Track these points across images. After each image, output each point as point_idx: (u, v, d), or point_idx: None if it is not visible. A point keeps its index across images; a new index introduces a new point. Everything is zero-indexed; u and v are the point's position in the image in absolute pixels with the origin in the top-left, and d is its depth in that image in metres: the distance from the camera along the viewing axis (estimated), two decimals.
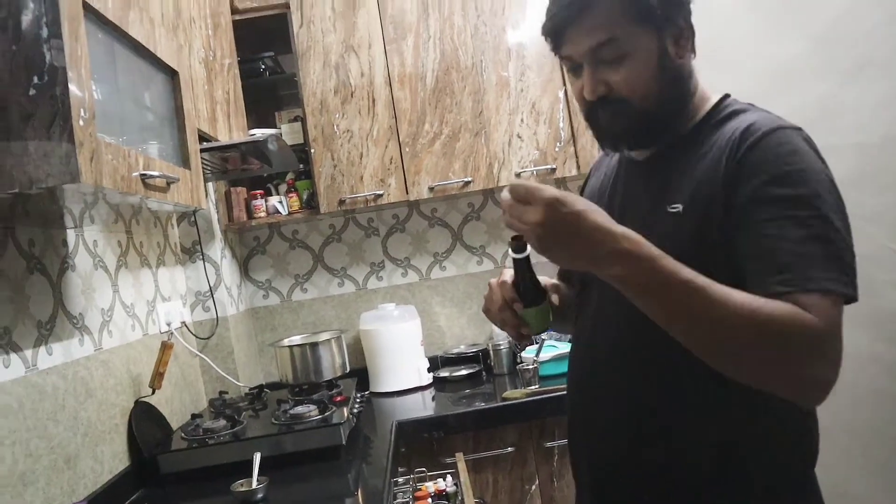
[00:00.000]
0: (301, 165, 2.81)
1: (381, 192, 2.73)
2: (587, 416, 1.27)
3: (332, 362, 2.54)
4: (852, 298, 0.97)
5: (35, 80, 1.09)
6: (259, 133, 2.51)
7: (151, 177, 1.36)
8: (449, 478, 2.03)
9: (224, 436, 2.00)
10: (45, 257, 1.67)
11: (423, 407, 2.62)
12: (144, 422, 1.99)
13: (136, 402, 1.98)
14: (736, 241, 1.02)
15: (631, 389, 1.17)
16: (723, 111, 1.15)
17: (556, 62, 2.74)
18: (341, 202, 2.74)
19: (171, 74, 1.64)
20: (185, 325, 2.48)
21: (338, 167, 2.74)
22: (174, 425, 2.17)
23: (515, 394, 2.46)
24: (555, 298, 1.30)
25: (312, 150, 2.75)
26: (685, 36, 1.13)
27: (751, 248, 0.99)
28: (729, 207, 1.03)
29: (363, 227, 3.14)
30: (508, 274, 1.26)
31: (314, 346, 2.52)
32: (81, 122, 1.10)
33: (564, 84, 2.74)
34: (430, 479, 2.03)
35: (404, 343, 2.83)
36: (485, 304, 1.30)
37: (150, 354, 2.10)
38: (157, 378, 2.04)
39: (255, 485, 1.68)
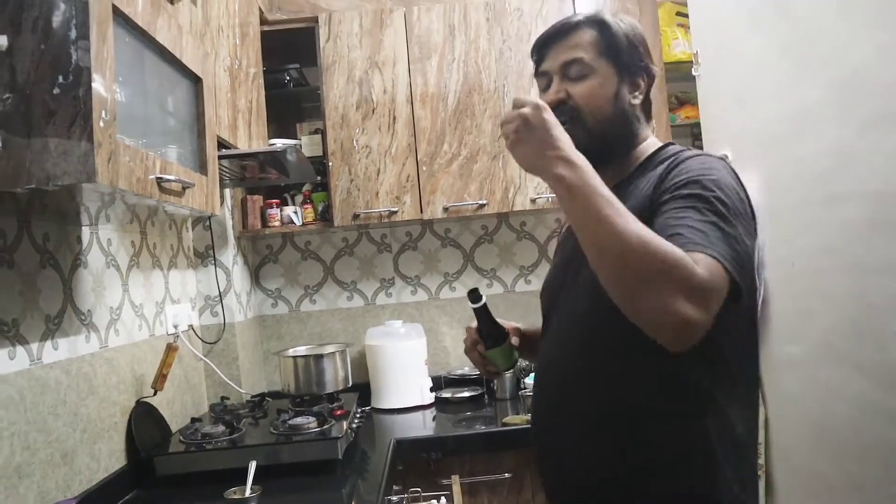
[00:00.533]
0: (318, 177, 2.83)
1: (395, 209, 2.75)
2: (547, 437, 1.35)
3: (335, 375, 2.54)
4: (738, 287, 1.05)
5: (60, 79, 1.11)
6: (278, 143, 2.54)
7: (167, 181, 1.38)
8: (444, 499, 2.02)
9: (222, 442, 2.00)
10: (59, 253, 1.69)
11: (423, 426, 2.61)
12: (144, 422, 2.00)
13: (138, 402, 1.99)
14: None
15: (586, 408, 1.26)
16: (663, 154, 1.30)
17: None
18: (355, 216, 2.75)
19: (195, 81, 1.66)
20: (193, 329, 2.50)
21: (354, 182, 2.76)
22: (174, 427, 2.17)
23: (516, 419, 2.45)
24: (514, 340, 1.46)
25: (330, 164, 2.77)
26: (640, 90, 1.33)
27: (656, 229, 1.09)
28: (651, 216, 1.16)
29: (376, 243, 3.15)
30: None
31: (318, 357, 2.52)
32: (102, 123, 1.12)
33: None
34: (425, 500, 2.02)
35: (409, 361, 2.83)
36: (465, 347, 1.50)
37: (156, 355, 2.12)
38: (159, 379, 2.05)
39: (248, 493, 1.68)
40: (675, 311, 0.99)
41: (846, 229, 1.48)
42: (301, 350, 2.66)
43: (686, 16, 2.53)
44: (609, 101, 1.29)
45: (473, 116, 2.76)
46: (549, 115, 1.11)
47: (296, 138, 2.95)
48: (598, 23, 1.31)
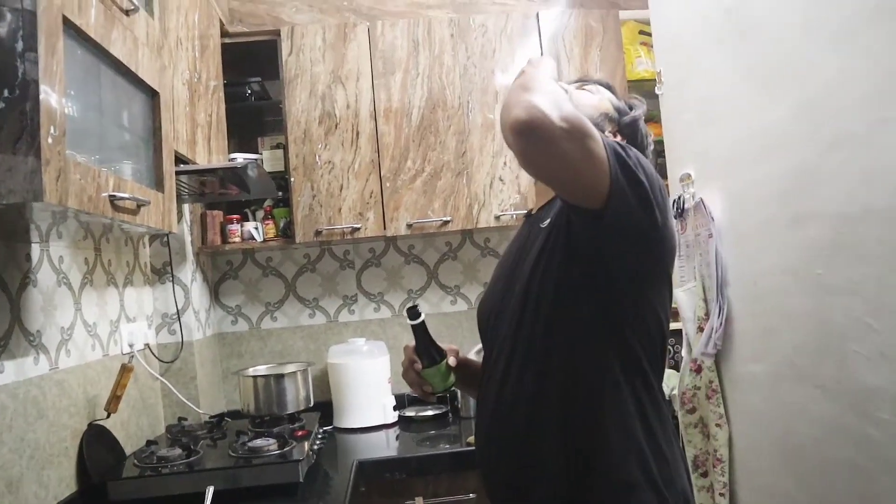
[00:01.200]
0: (280, 193, 2.78)
1: (358, 226, 2.71)
2: (485, 458, 1.40)
3: (297, 395, 2.49)
4: (616, 180, 1.13)
5: (5, 92, 1.06)
6: (239, 158, 2.50)
7: (121, 198, 1.33)
8: None
9: (178, 465, 1.94)
10: (6, 271, 1.62)
11: (386, 446, 2.57)
12: (96, 446, 1.93)
13: (90, 425, 1.92)
14: None
15: (515, 432, 1.31)
16: None
17: None
18: (318, 233, 2.71)
19: (152, 95, 1.62)
20: (149, 348, 2.43)
21: (317, 198, 2.72)
22: (128, 451, 2.10)
23: None
24: (451, 360, 1.47)
25: (292, 179, 2.73)
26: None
27: None
28: None
29: (338, 259, 3.11)
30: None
31: (279, 377, 2.47)
32: (50, 140, 1.07)
33: None
34: None
35: (372, 379, 2.79)
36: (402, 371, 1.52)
37: (110, 376, 2.05)
38: (113, 401, 1.98)
39: None
40: (529, 103, 1.08)
41: (809, 249, 1.49)
42: (261, 369, 2.60)
43: (649, 34, 2.55)
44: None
45: (437, 132, 2.75)
46: (550, 60, 1.29)
47: (257, 153, 2.91)
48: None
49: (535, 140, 1.07)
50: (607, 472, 1.23)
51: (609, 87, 1.56)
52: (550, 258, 1.28)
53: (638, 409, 1.26)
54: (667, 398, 1.39)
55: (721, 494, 1.96)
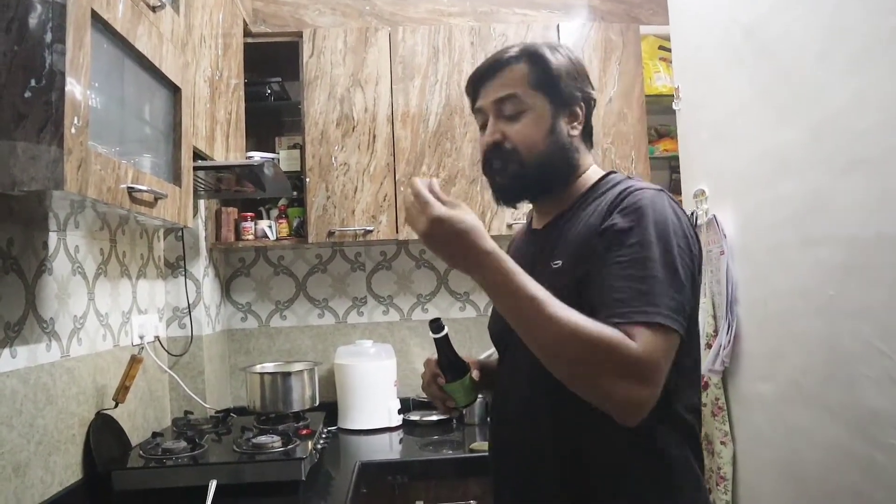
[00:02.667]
0: (295, 193, 2.80)
1: (371, 228, 2.73)
2: (505, 469, 1.36)
3: (303, 394, 2.50)
4: (676, 331, 1.08)
5: (32, 82, 1.08)
6: (256, 157, 2.52)
7: (139, 191, 1.35)
8: None
9: (183, 458, 1.95)
10: (23, 258, 1.64)
11: (389, 449, 2.58)
12: (103, 435, 1.94)
13: (98, 414, 1.94)
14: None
15: (534, 436, 1.27)
16: (607, 183, 1.30)
17: None
18: (330, 234, 2.73)
19: (174, 90, 1.64)
20: (159, 340, 2.45)
21: (331, 199, 2.74)
22: (134, 441, 2.12)
23: (483, 446, 2.43)
24: (475, 374, 1.40)
25: (308, 179, 2.74)
26: (578, 121, 1.32)
27: (594, 288, 1.14)
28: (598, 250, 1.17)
29: (350, 261, 3.13)
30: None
31: (286, 375, 2.48)
32: (73, 130, 1.09)
33: None
34: None
35: (378, 381, 2.80)
36: (422, 382, 1.47)
37: (119, 366, 2.06)
38: (121, 391, 2.00)
39: None
40: (614, 394, 1.03)
41: (820, 272, 1.49)
42: (269, 367, 2.62)
43: (669, 49, 2.56)
44: (545, 137, 1.28)
45: (454, 139, 2.76)
46: (449, 227, 1.07)
47: (274, 152, 2.93)
48: (530, 56, 1.29)
49: (637, 415, 1.05)
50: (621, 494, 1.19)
51: (528, 55, 1.30)
52: (560, 296, 1.13)
53: (665, 437, 1.19)
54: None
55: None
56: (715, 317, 1.96)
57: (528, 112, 1.27)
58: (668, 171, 3.15)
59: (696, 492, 1.21)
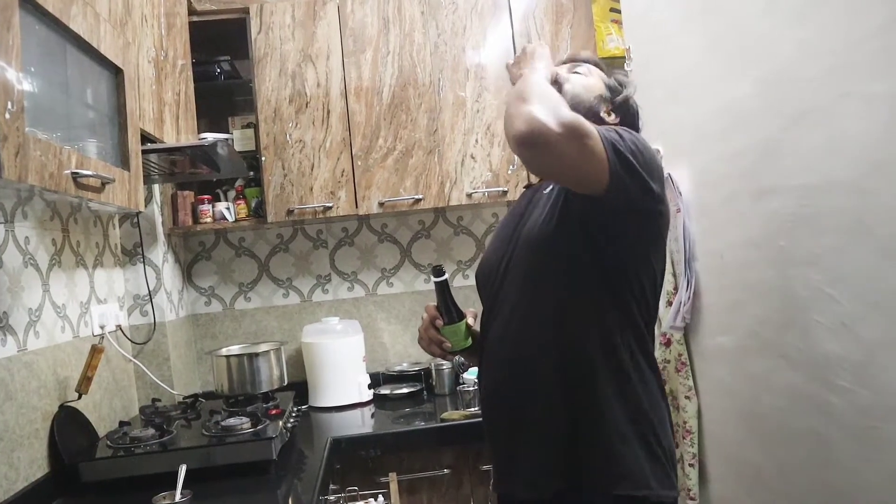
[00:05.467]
0: (251, 173, 2.77)
1: (330, 205, 2.70)
2: (499, 414, 1.48)
3: (270, 374, 2.49)
4: (613, 164, 1.22)
5: None
6: (209, 137, 2.47)
7: (84, 176, 1.32)
8: (381, 498, 2.00)
9: (151, 445, 1.94)
10: None
11: (361, 424, 2.58)
12: (68, 427, 1.92)
13: (61, 407, 1.91)
14: None
15: (518, 385, 1.40)
16: None
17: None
18: (290, 212, 2.70)
19: (116, 72, 1.60)
20: (121, 329, 2.41)
21: (288, 177, 2.71)
22: (101, 432, 2.09)
23: (454, 415, 2.45)
24: (471, 319, 1.55)
25: (263, 158, 2.71)
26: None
27: None
28: None
29: (311, 239, 3.10)
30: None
31: (252, 356, 2.47)
32: (8, 115, 1.06)
33: None
34: (362, 499, 2.00)
35: (346, 358, 2.80)
36: (419, 333, 1.57)
37: (80, 357, 2.03)
38: (84, 382, 1.97)
39: (178, 498, 1.63)
40: (529, 115, 1.18)
41: (772, 222, 1.51)
42: (234, 349, 2.60)
43: (620, 11, 2.55)
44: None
45: (409, 110, 2.74)
46: (544, 49, 1.44)
47: (228, 132, 2.88)
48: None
49: (538, 149, 1.18)
50: (602, 425, 1.32)
51: (598, 65, 1.60)
52: (560, 215, 1.37)
53: (634, 366, 1.35)
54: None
55: (690, 465, 2.00)
56: (675, 274, 1.99)
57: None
58: None
59: (657, 397, 1.39)
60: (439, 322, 1.50)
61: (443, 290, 1.50)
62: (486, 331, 1.52)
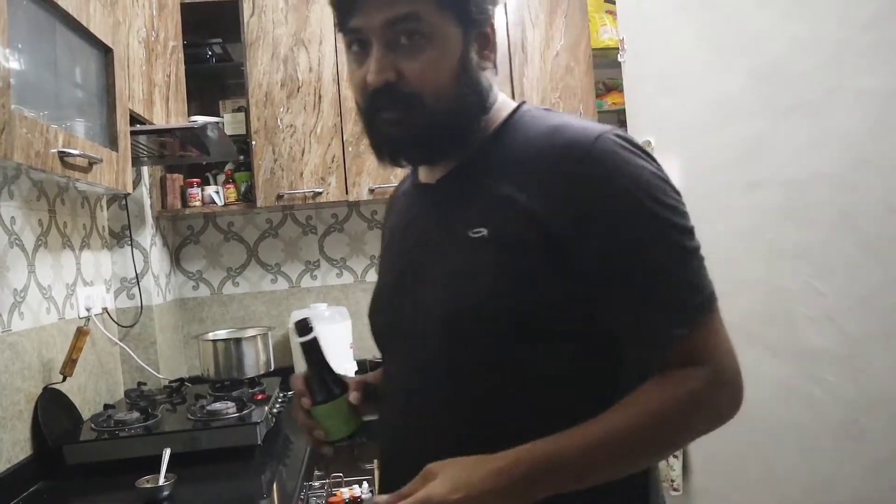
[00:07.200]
0: (241, 157, 2.75)
1: (320, 190, 2.69)
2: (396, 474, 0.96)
3: (257, 359, 2.48)
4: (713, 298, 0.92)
5: None
6: (199, 120, 2.46)
7: (71, 155, 1.30)
8: (365, 484, 2.00)
9: (136, 428, 1.93)
10: None
11: None
12: (52, 410, 1.90)
13: (45, 389, 1.90)
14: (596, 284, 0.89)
15: (433, 442, 0.95)
16: (526, 123, 0.98)
17: (507, 75, 2.75)
18: (279, 197, 2.69)
19: (105, 51, 1.58)
20: (107, 312, 2.40)
21: (278, 161, 2.70)
22: (86, 415, 2.08)
23: None
24: (353, 396, 1.04)
25: (254, 142, 2.69)
26: (490, 48, 0.98)
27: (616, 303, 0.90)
28: (556, 229, 0.88)
29: (301, 225, 3.09)
30: None
31: (238, 341, 2.46)
32: None
33: (513, 97, 2.74)
34: (346, 485, 2.00)
35: (333, 344, 2.79)
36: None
37: (65, 339, 2.02)
38: (69, 364, 1.96)
39: (161, 482, 1.62)
40: (724, 417, 0.93)
41: (760, 215, 1.52)
42: (221, 334, 2.59)
43: (614, 2, 2.55)
44: (454, 77, 0.94)
45: None
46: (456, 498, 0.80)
47: (219, 116, 2.86)
48: None
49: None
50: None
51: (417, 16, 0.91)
52: (487, 276, 0.90)
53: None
54: None
55: (674, 456, 2.01)
56: None
57: (433, 42, 0.91)
58: (617, 124, 3.15)
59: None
60: (307, 401, 1.04)
61: (311, 353, 1.04)
62: (387, 381, 1.08)
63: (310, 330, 1.03)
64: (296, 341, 1.05)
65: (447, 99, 0.93)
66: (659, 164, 0.93)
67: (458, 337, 0.92)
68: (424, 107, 0.92)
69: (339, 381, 1.05)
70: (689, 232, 0.91)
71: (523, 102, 1.03)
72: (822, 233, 1.31)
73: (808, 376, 1.39)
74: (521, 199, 0.90)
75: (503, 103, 1.02)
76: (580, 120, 0.97)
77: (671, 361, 0.88)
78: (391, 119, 0.93)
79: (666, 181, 0.91)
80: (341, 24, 0.95)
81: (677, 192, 0.92)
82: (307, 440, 1.08)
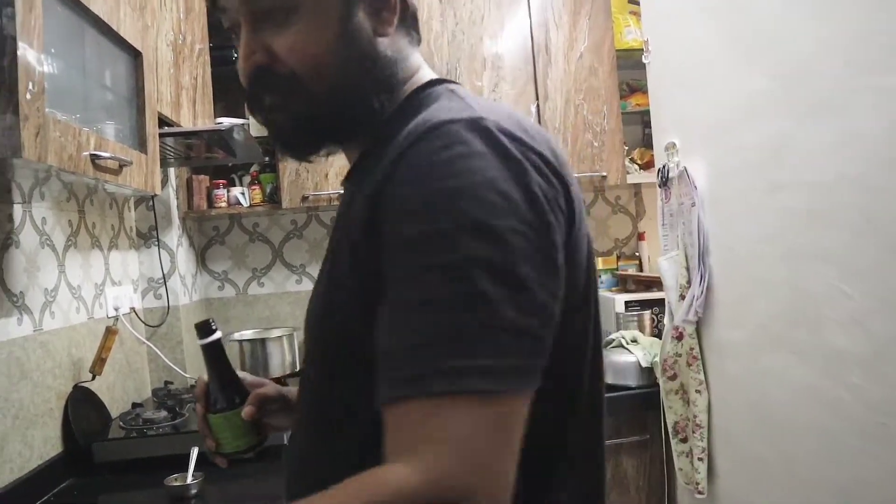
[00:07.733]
0: (266, 158, 2.78)
1: None
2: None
3: (282, 359, 2.51)
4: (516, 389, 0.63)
5: None
6: (225, 122, 2.48)
7: (102, 158, 1.33)
8: None
9: (163, 427, 1.96)
10: None
11: None
12: (82, 408, 1.94)
13: (75, 387, 1.93)
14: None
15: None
16: (413, 102, 0.83)
17: (531, 76, 2.75)
18: (304, 198, 2.71)
19: (135, 55, 1.61)
20: (135, 312, 2.43)
21: (303, 163, 2.71)
22: (114, 413, 2.12)
23: None
24: (247, 410, 0.96)
25: None
26: (389, 8, 0.83)
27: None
28: (361, 249, 0.71)
29: (325, 226, 3.11)
30: None
31: (264, 341, 2.49)
32: (29, 96, 1.07)
33: (537, 98, 2.74)
34: None
35: None
36: None
37: (95, 339, 2.06)
38: (98, 364, 1.99)
39: (189, 480, 1.65)
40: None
41: (784, 217, 1.51)
42: (247, 334, 2.62)
43: (638, 3, 2.54)
44: (332, 49, 0.79)
45: None
46: None
47: (244, 118, 2.89)
48: None
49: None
50: None
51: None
52: (334, 315, 0.78)
53: None
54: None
55: (700, 459, 2.00)
56: (688, 268, 1.98)
57: (302, 8, 0.78)
58: (641, 125, 3.15)
59: None
60: (199, 408, 0.98)
61: (212, 357, 0.97)
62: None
63: (212, 331, 0.96)
64: (196, 343, 0.95)
65: (329, 76, 0.79)
66: (536, 171, 0.69)
67: (309, 359, 0.85)
68: (303, 88, 0.79)
69: (242, 390, 0.98)
70: (503, 272, 0.62)
71: (438, 83, 0.85)
72: (848, 235, 1.30)
73: (835, 379, 1.38)
74: (358, 209, 0.73)
75: (422, 76, 0.87)
76: (463, 104, 0.75)
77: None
78: (273, 105, 0.81)
79: (506, 197, 0.65)
80: (210, 6, 0.86)
81: (538, 212, 0.66)
82: (207, 448, 1.01)
